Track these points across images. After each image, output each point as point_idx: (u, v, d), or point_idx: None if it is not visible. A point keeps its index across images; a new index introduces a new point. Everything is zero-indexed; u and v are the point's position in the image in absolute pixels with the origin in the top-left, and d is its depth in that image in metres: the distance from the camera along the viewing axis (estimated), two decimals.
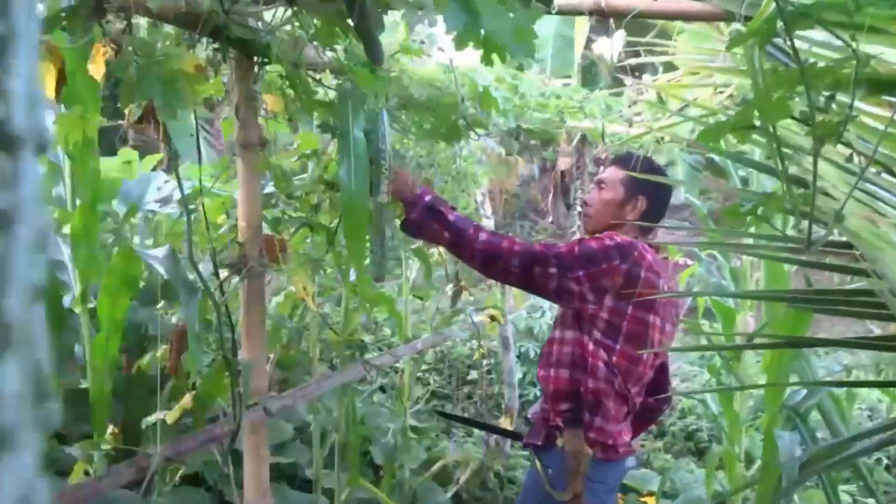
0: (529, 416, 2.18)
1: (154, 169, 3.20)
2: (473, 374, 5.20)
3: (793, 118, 1.11)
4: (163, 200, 2.48)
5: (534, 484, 2.03)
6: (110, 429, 1.55)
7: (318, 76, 1.91)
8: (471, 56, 2.44)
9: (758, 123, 0.99)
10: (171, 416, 1.70)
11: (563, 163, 9.27)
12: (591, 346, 1.93)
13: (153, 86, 1.25)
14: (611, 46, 10.38)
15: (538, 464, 2.01)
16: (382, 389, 4.68)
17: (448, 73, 2.14)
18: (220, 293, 1.70)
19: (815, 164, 0.97)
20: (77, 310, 1.77)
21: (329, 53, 1.87)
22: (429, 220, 1.88)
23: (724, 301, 3.44)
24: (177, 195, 2.60)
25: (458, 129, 2.06)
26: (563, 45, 8.67)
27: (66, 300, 1.84)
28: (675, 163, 6.89)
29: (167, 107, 1.26)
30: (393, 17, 1.93)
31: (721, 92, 1.58)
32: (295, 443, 3.31)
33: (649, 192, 2.06)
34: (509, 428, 3.59)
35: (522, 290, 2.07)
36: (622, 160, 2.13)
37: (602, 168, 2.35)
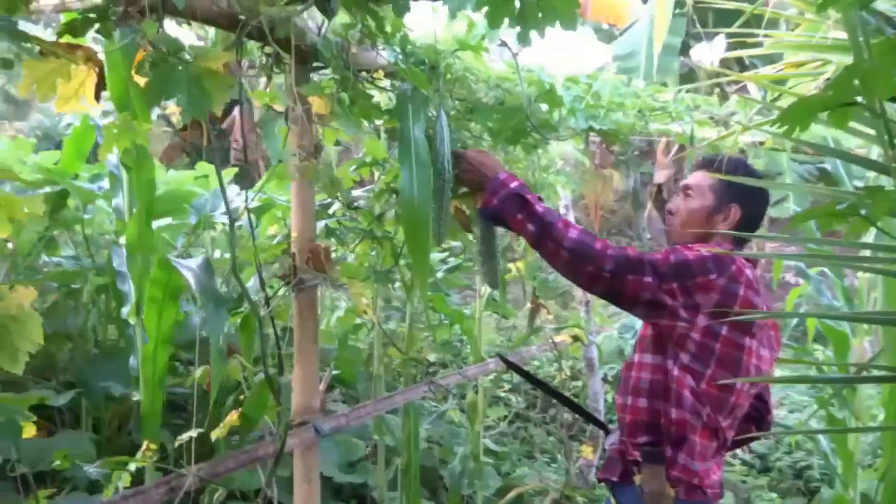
0: (606, 447, 1.95)
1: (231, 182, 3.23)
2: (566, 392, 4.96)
3: None
4: (233, 212, 2.45)
5: None
6: (145, 445, 1.50)
7: (371, 78, 1.81)
8: (538, 52, 2.30)
9: (859, 100, 0.79)
10: (216, 432, 1.63)
11: (661, 175, 8.85)
12: (675, 372, 1.69)
13: (179, 85, 1.18)
14: (710, 51, 9.91)
15: (613, 501, 1.80)
16: (464, 410, 4.54)
17: (519, 71, 1.99)
18: (266, 306, 1.62)
19: None
20: (132, 320, 1.74)
21: (384, 54, 1.77)
22: (511, 208, 1.70)
23: (837, 324, 3.09)
24: (240, 206, 2.58)
25: (524, 131, 1.91)
26: (661, 53, 8.32)
27: (124, 311, 1.83)
28: (784, 173, 6.41)
29: (193, 107, 1.18)
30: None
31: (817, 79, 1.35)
32: (367, 462, 3.22)
33: (744, 200, 1.82)
34: (591, 458, 3.36)
35: (606, 299, 1.82)
36: (711, 163, 1.89)
37: (688, 172, 2.08)
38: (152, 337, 1.59)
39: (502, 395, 5.06)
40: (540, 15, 0.93)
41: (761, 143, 3.24)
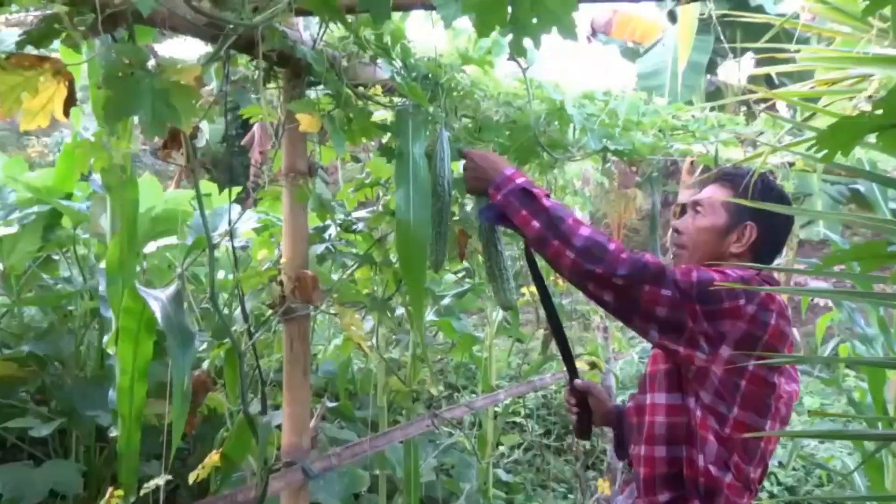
0: None
1: (236, 201, 3.14)
2: None
3: None
4: (228, 234, 2.34)
5: None
6: (109, 492, 1.38)
7: (367, 94, 1.69)
8: (558, 69, 2.17)
9: None
10: (193, 476, 1.51)
11: (685, 195, 8.65)
12: (698, 412, 1.46)
13: (142, 100, 1.07)
14: (737, 69, 9.73)
15: None
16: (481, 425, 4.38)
17: (531, 85, 1.87)
18: (248, 338, 1.50)
19: None
20: (111, 351, 1.64)
21: (382, 67, 1.66)
22: (515, 203, 1.50)
23: (869, 354, 2.90)
24: (242, 228, 2.48)
25: (533, 150, 1.77)
26: (687, 70, 8.18)
27: (105, 339, 1.73)
28: (815, 194, 6.20)
29: (155, 125, 1.07)
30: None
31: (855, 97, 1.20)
32: (373, 495, 3.08)
33: (761, 218, 1.58)
34: (608, 493, 3.18)
35: (616, 314, 1.56)
36: (725, 177, 1.68)
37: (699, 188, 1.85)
38: (127, 371, 1.47)
39: (518, 420, 4.89)
40: (534, 21, 0.81)
41: (791, 164, 3.07)
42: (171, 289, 1.29)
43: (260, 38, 1.37)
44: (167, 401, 1.26)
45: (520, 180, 1.52)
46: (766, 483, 4.67)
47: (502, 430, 3.84)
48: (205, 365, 1.65)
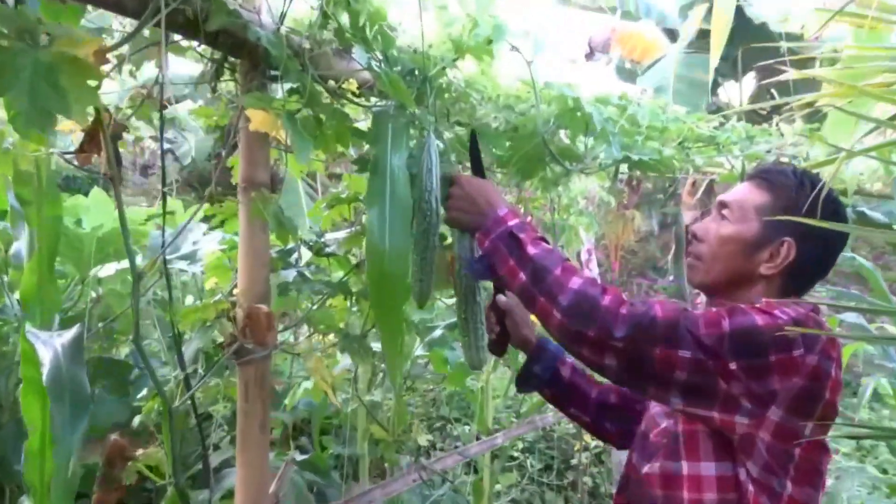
0: None
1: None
2: (584, 458, 4.45)
3: None
4: (187, 257, 2.05)
5: None
6: None
7: (340, 91, 1.41)
8: (558, 63, 1.90)
9: None
10: None
11: (688, 217, 8.43)
12: (750, 487, 1.16)
13: (19, 78, 0.78)
14: (740, 90, 9.54)
15: None
16: (476, 470, 4.05)
17: (534, 83, 1.58)
18: (186, 389, 1.19)
19: None
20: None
21: (358, 58, 1.37)
22: (503, 251, 1.24)
23: None
24: (203, 249, 2.18)
25: (540, 159, 1.49)
26: (688, 89, 7.98)
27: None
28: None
29: (37, 112, 0.78)
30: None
31: None
32: None
33: (804, 234, 1.25)
34: None
35: (624, 384, 1.31)
36: (762, 173, 1.34)
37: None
38: (36, 430, 1.17)
39: (516, 455, 4.57)
40: None
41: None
42: (71, 332, 1.00)
43: (200, 14, 1.10)
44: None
45: (512, 222, 1.26)
46: None
47: (501, 469, 3.51)
48: (137, 420, 1.35)
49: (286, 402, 2.13)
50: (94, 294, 2.49)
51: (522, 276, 1.20)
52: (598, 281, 1.19)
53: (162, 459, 1.40)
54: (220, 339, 1.39)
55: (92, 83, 0.84)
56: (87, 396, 0.95)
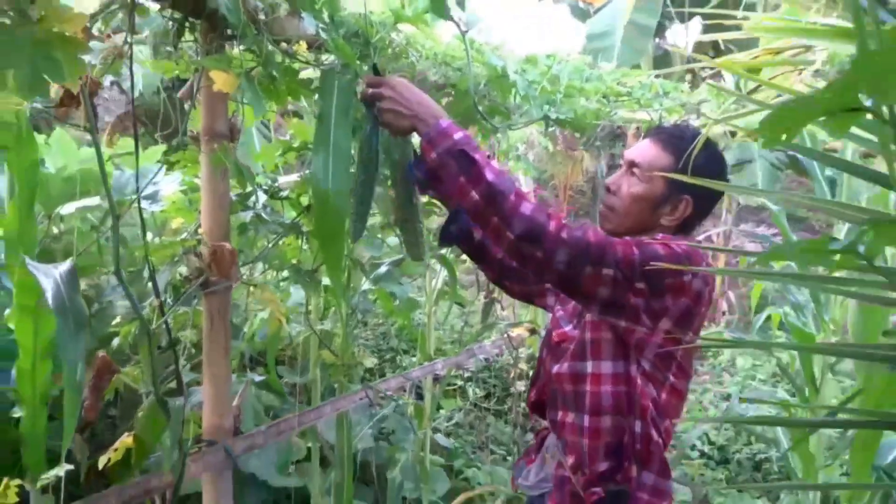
0: (530, 484, 1.63)
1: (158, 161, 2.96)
2: (521, 386, 4.80)
3: None
4: (149, 197, 2.19)
5: None
6: (4, 483, 1.28)
7: (292, 51, 1.57)
8: (505, 29, 2.06)
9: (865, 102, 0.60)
10: (104, 460, 1.41)
11: None
12: (639, 381, 1.44)
13: (19, 54, 0.94)
14: (685, 33, 9.74)
15: None
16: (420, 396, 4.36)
17: (467, 50, 1.76)
18: (160, 314, 1.39)
19: None
20: (12, 326, 1.50)
21: (309, 22, 1.53)
22: (453, 168, 1.32)
23: (804, 326, 2.95)
24: (168, 190, 2.33)
25: (472, 116, 1.68)
26: (635, 34, 8.12)
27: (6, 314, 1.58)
28: (755, 160, 6.28)
29: (36, 82, 0.94)
30: None
31: (804, 70, 1.15)
32: (306, 463, 3.02)
33: (699, 191, 1.49)
34: None
35: (559, 290, 1.54)
36: (666, 137, 1.55)
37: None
38: (28, 350, 1.34)
39: (460, 383, 4.89)
40: None
41: (733, 134, 3.06)
42: (66, 264, 1.17)
43: None
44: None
45: (458, 136, 1.34)
46: (698, 443, 4.81)
47: (444, 395, 3.80)
48: (116, 341, 1.54)
49: (245, 331, 2.32)
50: (56, 230, 2.61)
51: (475, 195, 1.31)
52: (539, 204, 1.38)
53: (138, 377, 1.60)
54: (186, 273, 1.57)
55: (81, 55, 1.00)
56: (86, 316, 1.14)
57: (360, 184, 1.47)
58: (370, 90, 1.43)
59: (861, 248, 0.65)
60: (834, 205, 0.65)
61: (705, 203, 1.56)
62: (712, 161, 1.54)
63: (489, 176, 1.32)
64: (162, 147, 2.90)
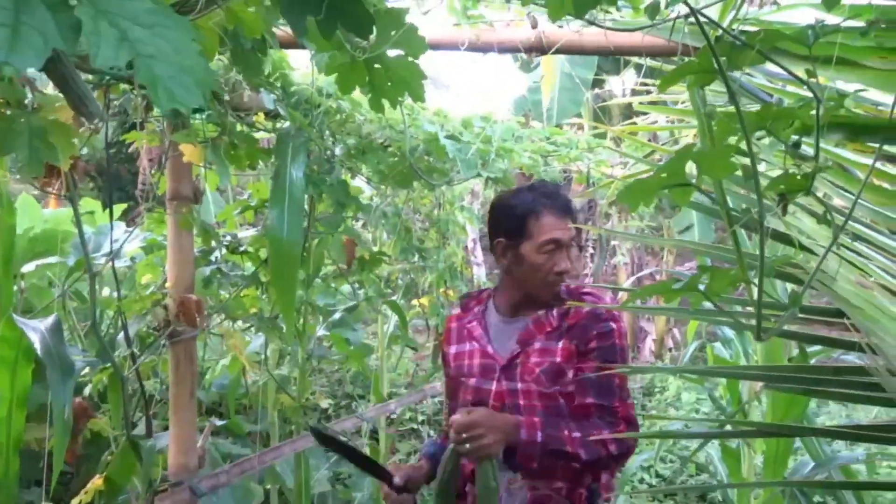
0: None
1: (125, 212, 3.09)
2: None
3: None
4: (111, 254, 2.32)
5: None
6: None
7: (252, 120, 1.75)
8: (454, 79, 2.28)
9: (695, 180, 0.80)
10: (76, 502, 1.51)
11: (575, 203, 9.00)
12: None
13: (19, 139, 1.10)
14: (622, 85, 10.27)
15: None
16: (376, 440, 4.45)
17: (412, 115, 1.98)
18: (132, 363, 1.52)
19: (761, 241, 0.78)
20: None
21: (265, 96, 1.72)
22: (553, 462, 1.55)
23: (729, 355, 3.20)
24: (128, 247, 2.46)
25: (410, 175, 1.89)
26: (571, 84, 8.54)
27: None
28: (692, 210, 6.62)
29: (34, 163, 1.10)
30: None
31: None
32: None
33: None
34: None
35: None
36: (567, 211, 1.74)
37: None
38: (5, 400, 1.46)
39: (415, 426, 5.00)
40: (389, 84, 0.92)
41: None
42: (50, 319, 1.30)
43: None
44: (47, 425, 1.28)
45: (539, 437, 1.52)
46: (645, 476, 5.01)
47: (400, 437, 3.92)
48: (87, 390, 1.65)
49: (206, 379, 2.44)
50: (15, 287, 2.70)
51: (576, 465, 1.54)
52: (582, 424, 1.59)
53: (106, 424, 1.72)
54: (154, 325, 1.71)
55: (71, 139, 1.16)
56: (71, 363, 1.27)
57: None
58: (465, 434, 1.48)
59: (702, 287, 0.86)
60: (693, 276, 0.84)
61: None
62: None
63: (582, 455, 1.54)
64: (122, 206, 3.03)
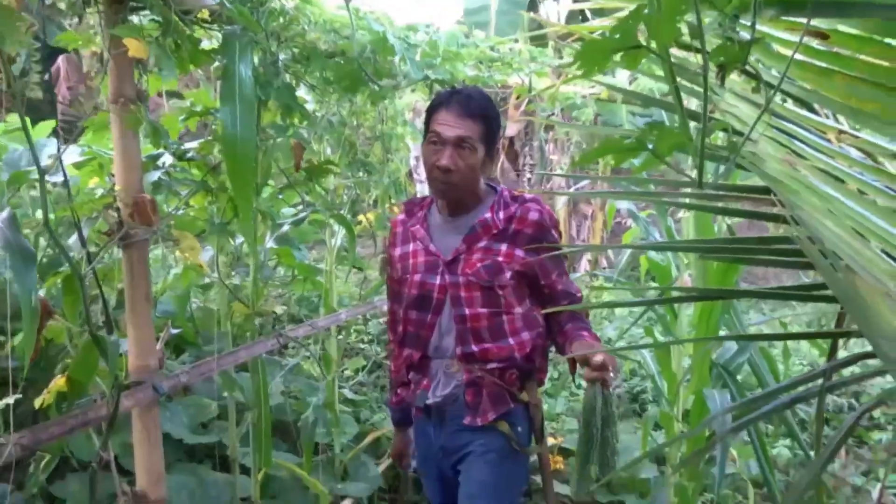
0: (440, 397, 1.89)
1: (49, 136, 2.97)
2: None
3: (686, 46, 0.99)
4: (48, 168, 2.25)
5: (500, 454, 1.85)
6: None
7: (196, 19, 1.71)
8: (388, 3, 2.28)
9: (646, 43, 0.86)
10: (39, 401, 1.53)
11: (512, 129, 9.13)
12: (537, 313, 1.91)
13: None
14: (556, 5, 10.22)
15: (507, 427, 1.84)
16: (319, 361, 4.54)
17: (354, 15, 1.96)
18: (87, 263, 1.52)
19: (705, 90, 0.85)
20: None
21: None
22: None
23: (663, 261, 3.37)
24: (66, 160, 2.39)
25: (360, 79, 1.89)
26: (510, 7, 8.49)
27: None
28: (623, 125, 6.79)
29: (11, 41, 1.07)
30: None
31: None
32: (222, 421, 3.16)
33: (494, 142, 1.85)
34: None
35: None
36: (471, 108, 1.78)
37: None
38: None
39: (362, 346, 5.11)
40: None
41: (595, 96, 3.42)
42: (4, 213, 1.29)
43: None
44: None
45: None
46: (583, 383, 5.29)
47: (346, 353, 3.99)
48: (41, 294, 1.64)
49: (156, 289, 2.43)
50: None
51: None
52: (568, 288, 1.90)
53: (58, 328, 1.72)
54: (105, 229, 1.70)
55: (18, 26, 1.13)
56: (32, 252, 1.26)
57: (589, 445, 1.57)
58: (603, 372, 1.58)
59: (650, 146, 0.93)
60: (642, 131, 0.91)
61: (494, 147, 1.86)
62: (495, 108, 1.85)
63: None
64: (52, 122, 2.92)
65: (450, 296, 1.84)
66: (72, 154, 2.41)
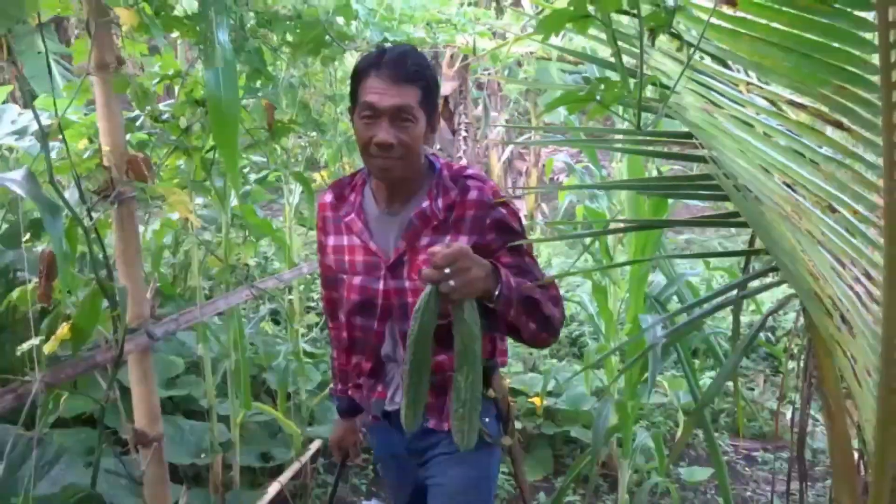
0: (399, 403, 1.58)
1: (6, 101, 3.00)
2: None
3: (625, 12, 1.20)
4: (19, 133, 2.32)
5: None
6: None
7: None
8: None
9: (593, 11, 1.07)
10: (48, 347, 1.66)
11: (447, 87, 9.26)
12: None
13: None
14: None
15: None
16: (276, 322, 4.68)
17: None
18: (89, 219, 1.65)
19: (640, 49, 1.06)
20: None
21: None
22: (521, 313, 1.45)
23: (598, 208, 3.65)
24: (33, 127, 2.45)
25: (323, 42, 2.04)
26: None
27: None
28: (554, 81, 7.03)
29: (4, 16, 1.19)
30: None
31: None
32: (189, 376, 3.30)
33: (435, 107, 1.58)
34: None
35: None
36: (406, 73, 1.48)
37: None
38: None
39: (313, 304, 5.27)
40: None
41: (532, 54, 3.62)
42: (22, 171, 1.39)
43: None
44: None
45: (514, 282, 1.43)
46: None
47: (305, 312, 4.14)
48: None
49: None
50: None
51: (532, 325, 1.47)
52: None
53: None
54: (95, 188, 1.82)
55: None
56: (57, 204, 1.38)
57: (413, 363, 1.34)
58: (451, 267, 1.30)
59: (598, 98, 1.15)
60: (592, 84, 1.12)
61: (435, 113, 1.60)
62: (431, 67, 1.60)
63: (546, 311, 1.49)
64: (8, 87, 2.94)
65: (396, 304, 1.60)
66: (26, 118, 2.47)
